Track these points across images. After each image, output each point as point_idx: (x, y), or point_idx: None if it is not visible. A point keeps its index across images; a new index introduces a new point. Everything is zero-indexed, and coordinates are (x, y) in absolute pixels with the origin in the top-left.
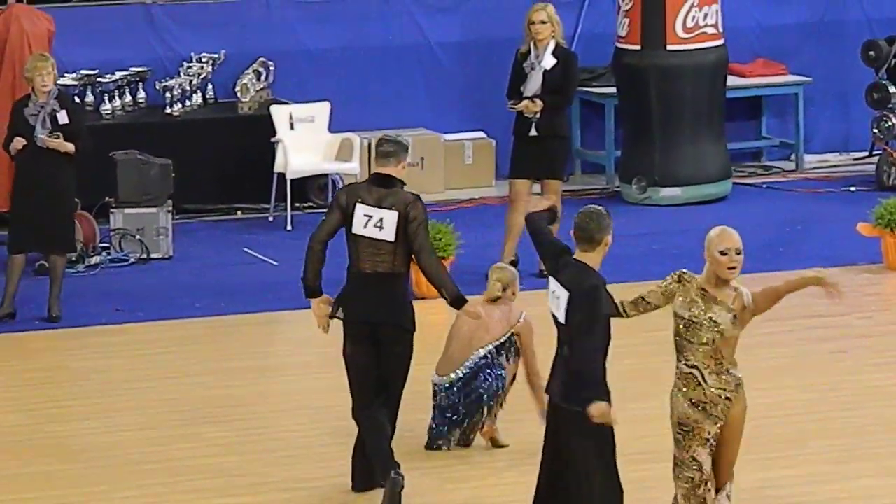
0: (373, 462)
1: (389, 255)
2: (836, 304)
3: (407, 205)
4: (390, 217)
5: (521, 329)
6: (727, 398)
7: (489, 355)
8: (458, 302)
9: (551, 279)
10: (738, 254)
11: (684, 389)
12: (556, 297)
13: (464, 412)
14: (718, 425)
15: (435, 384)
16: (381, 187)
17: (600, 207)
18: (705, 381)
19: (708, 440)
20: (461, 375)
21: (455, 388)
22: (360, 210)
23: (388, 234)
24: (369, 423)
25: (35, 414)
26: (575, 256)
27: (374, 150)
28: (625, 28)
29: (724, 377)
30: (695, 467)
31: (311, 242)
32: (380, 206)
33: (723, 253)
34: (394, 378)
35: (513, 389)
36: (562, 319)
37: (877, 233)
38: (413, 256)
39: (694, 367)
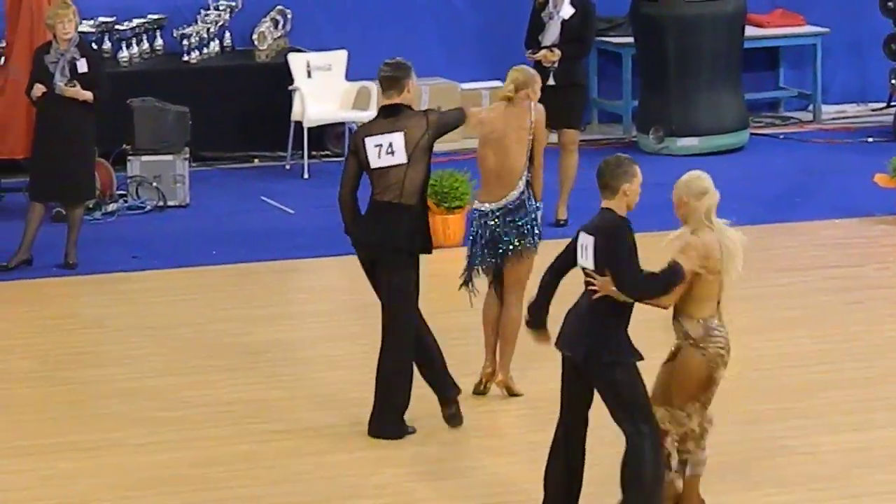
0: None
1: (401, 180)
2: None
3: (414, 119)
4: (398, 138)
5: (536, 117)
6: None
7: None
8: (461, 116)
9: (580, 234)
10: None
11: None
12: (584, 248)
13: (506, 240)
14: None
15: (476, 210)
16: (388, 117)
17: (624, 155)
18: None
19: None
20: (501, 206)
21: (497, 216)
22: (370, 143)
23: (400, 155)
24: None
25: (50, 360)
26: (601, 204)
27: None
28: None
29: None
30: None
31: (340, 197)
32: (388, 132)
33: None
34: (394, 309)
35: (519, 340)
36: (591, 266)
37: (893, 184)
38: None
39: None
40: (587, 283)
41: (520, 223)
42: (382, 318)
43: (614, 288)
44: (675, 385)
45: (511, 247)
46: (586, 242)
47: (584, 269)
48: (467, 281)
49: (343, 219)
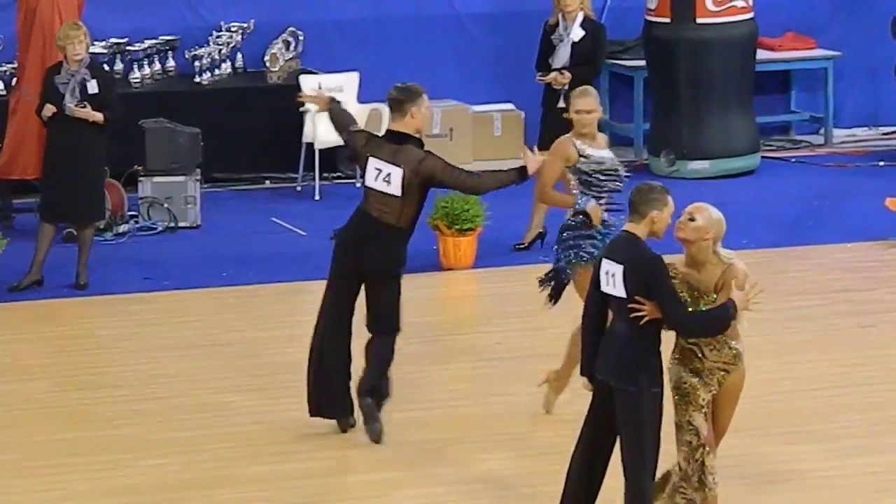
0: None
1: (397, 209)
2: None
3: (418, 162)
4: (397, 173)
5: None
6: (723, 370)
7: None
8: (521, 175)
9: (603, 261)
10: (692, 220)
11: (684, 361)
12: (610, 276)
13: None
14: (712, 392)
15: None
16: (393, 143)
17: (657, 183)
18: (704, 356)
19: (703, 406)
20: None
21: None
22: (372, 164)
23: (395, 189)
24: (335, 357)
25: (62, 381)
26: (625, 227)
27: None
28: (654, 1)
29: (724, 351)
30: (692, 431)
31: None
32: (390, 162)
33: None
34: (383, 314)
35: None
36: (621, 293)
37: None
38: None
39: (694, 343)
40: (618, 310)
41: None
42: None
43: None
44: (732, 404)
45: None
46: (613, 270)
47: (614, 296)
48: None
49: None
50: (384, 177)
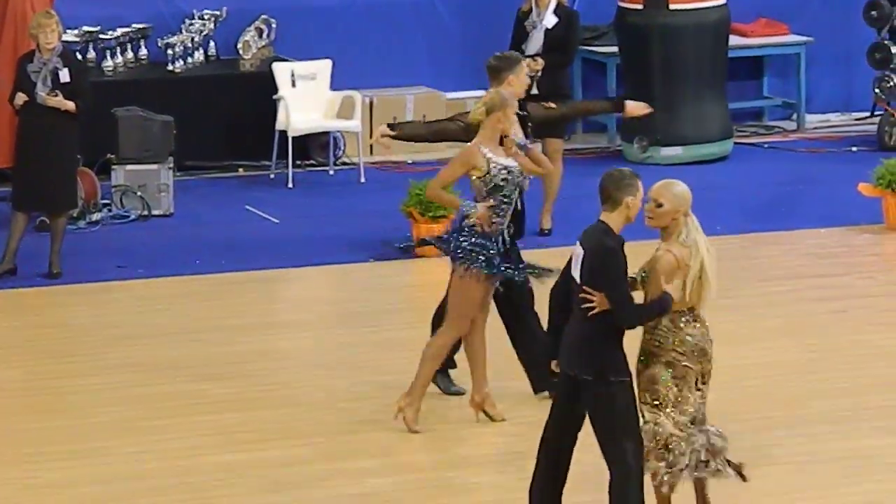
0: None
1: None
2: None
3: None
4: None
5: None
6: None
7: None
8: (616, 107)
9: (576, 244)
10: (659, 206)
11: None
12: (577, 257)
13: None
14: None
15: None
16: None
17: (626, 169)
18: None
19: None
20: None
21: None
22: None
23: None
24: None
25: (35, 369)
26: (600, 216)
27: None
28: None
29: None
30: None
31: None
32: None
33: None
34: None
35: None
36: (578, 278)
37: (878, 193)
38: None
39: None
40: (581, 299)
41: None
42: None
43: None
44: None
45: None
46: (578, 251)
47: (577, 281)
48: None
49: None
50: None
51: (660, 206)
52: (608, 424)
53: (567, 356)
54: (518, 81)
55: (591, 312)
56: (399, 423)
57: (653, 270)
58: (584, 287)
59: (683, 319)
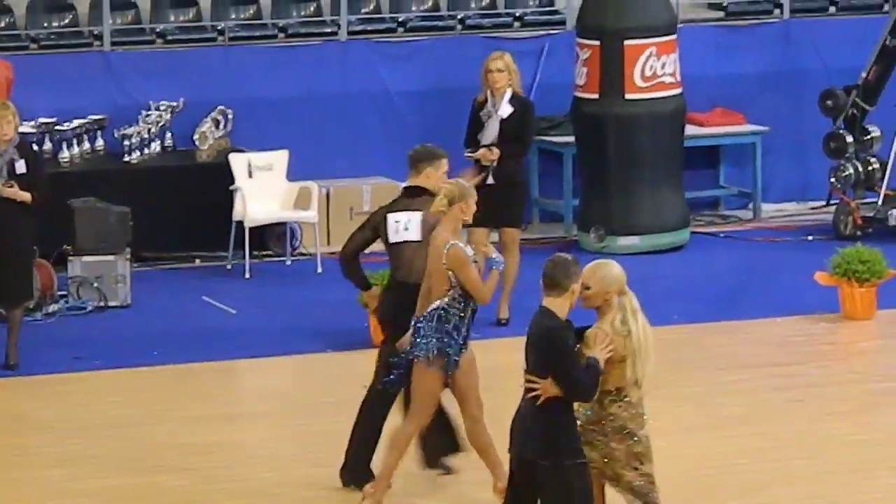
0: None
1: (408, 260)
2: None
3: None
4: (416, 217)
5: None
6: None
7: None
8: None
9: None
10: (587, 289)
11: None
12: (525, 345)
13: None
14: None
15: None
16: (409, 197)
17: (568, 255)
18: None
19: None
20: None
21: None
22: (391, 219)
23: (414, 234)
24: None
25: None
26: (542, 303)
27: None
28: (583, 77)
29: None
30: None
31: (343, 253)
32: (406, 210)
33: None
34: None
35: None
36: (525, 364)
37: (834, 282)
38: None
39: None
40: (528, 389)
41: None
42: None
43: (556, 390)
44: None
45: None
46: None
47: (525, 372)
48: None
49: (345, 273)
50: (403, 225)
51: (587, 288)
52: None
53: (521, 441)
54: (436, 176)
55: (538, 402)
56: None
57: (584, 345)
58: (526, 377)
59: (608, 399)
